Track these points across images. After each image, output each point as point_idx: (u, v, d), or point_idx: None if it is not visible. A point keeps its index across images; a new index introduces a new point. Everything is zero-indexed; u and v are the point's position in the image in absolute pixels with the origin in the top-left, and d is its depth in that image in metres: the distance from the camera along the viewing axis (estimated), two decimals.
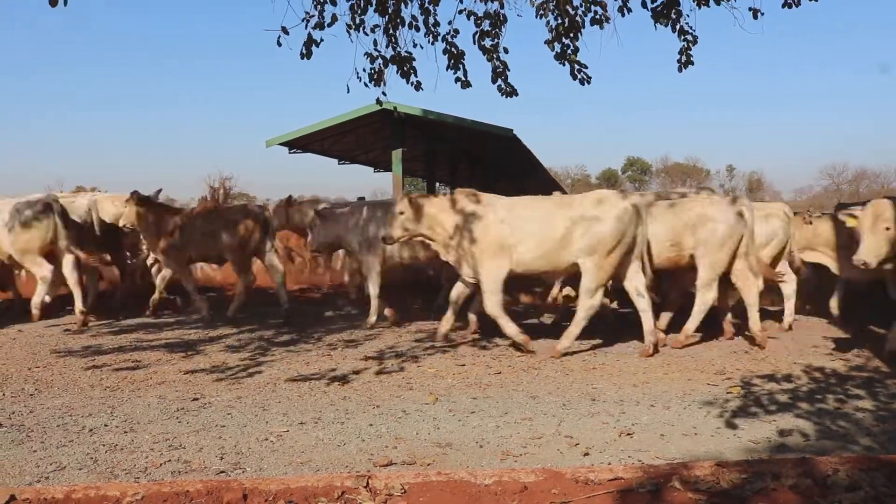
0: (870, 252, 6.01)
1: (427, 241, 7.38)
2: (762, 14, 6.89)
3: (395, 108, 14.37)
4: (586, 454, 4.02)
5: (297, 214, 11.62)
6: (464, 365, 6.39)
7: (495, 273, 6.80)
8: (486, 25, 7.04)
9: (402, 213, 7.09)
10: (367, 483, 3.09)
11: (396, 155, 16.58)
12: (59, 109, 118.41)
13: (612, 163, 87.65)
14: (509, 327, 6.90)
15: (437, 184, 28.68)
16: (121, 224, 9.59)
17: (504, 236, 6.75)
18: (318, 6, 6.64)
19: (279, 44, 6.47)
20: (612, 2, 7.07)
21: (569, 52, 6.97)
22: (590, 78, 7.17)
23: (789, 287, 8.09)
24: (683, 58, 7.40)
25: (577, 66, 7.09)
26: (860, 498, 2.94)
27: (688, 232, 7.14)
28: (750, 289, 7.17)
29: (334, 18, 6.62)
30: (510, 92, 7.30)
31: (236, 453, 4.09)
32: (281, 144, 18.45)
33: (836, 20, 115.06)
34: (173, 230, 9.29)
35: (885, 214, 6.04)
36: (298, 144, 19.41)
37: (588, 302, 6.75)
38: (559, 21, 6.81)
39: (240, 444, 4.25)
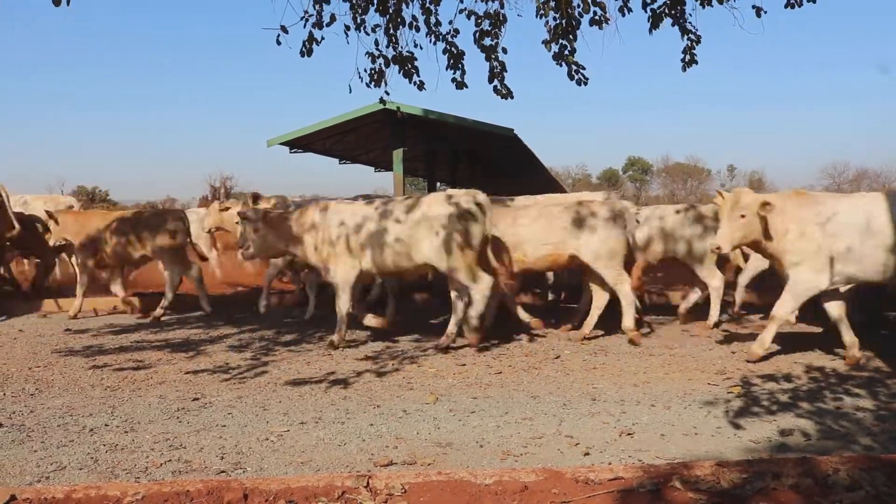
0: (724, 238, 6.25)
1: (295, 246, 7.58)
2: (765, 12, 6.91)
3: (398, 107, 14.37)
4: (587, 454, 4.02)
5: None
6: (464, 365, 6.39)
7: (343, 274, 7.21)
8: (486, 25, 7.05)
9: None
10: (368, 483, 3.09)
11: (397, 155, 16.56)
12: (59, 109, 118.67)
13: (614, 162, 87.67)
14: (343, 330, 7.28)
15: (438, 183, 28.67)
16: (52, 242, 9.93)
17: (352, 241, 7.16)
18: (318, 5, 6.65)
19: (278, 42, 6.49)
20: (614, 1, 7.10)
21: (566, 52, 6.97)
22: (587, 79, 7.18)
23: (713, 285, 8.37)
24: (687, 57, 7.43)
25: (574, 67, 7.09)
26: (861, 497, 2.94)
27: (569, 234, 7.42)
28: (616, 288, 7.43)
29: (333, 18, 6.63)
30: (506, 94, 7.30)
31: (237, 453, 4.09)
32: (282, 144, 18.43)
33: (837, 20, 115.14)
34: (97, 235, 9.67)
35: (742, 202, 6.20)
36: (299, 144, 19.39)
37: None
38: (558, 21, 6.81)
39: (240, 443, 4.25)
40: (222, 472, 3.80)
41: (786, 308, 6.29)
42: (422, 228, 6.90)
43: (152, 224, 9.69)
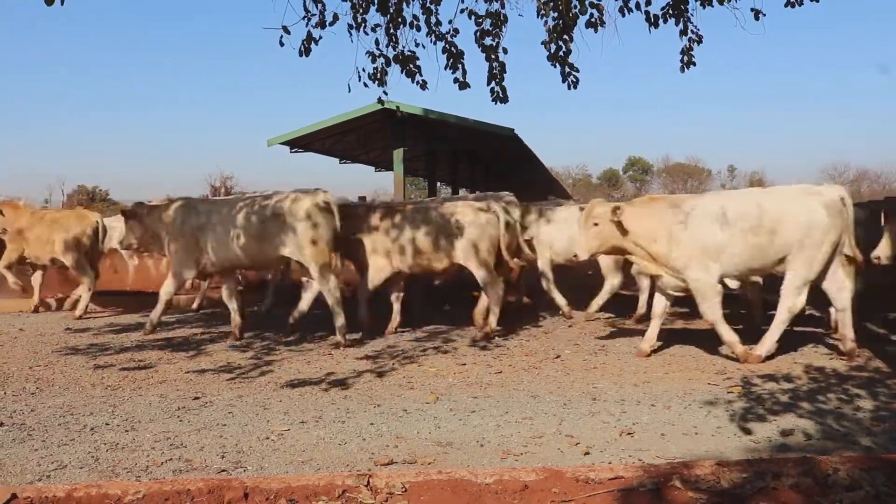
0: (580, 246, 6.73)
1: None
2: (764, 15, 6.90)
3: (397, 107, 14.37)
4: (587, 453, 4.02)
5: None
6: (464, 364, 6.39)
7: (179, 271, 7.93)
8: (486, 24, 7.04)
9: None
10: (368, 482, 3.10)
11: (397, 154, 16.55)
12: (60, 109, 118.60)
13: (614, 163, 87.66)
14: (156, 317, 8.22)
15: (438, 183, 28.68)
16: None
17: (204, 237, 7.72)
18: (319, 4, 6.65)
19: (281, 43, 6.48)
20: (614, 1, 7.09)
21: (561, 53, 6.97)
22: (578, 81, 7.17)
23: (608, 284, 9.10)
24: (686, 58, 7.42)
25: (567, 69, 7.09)
26: (860, 497, 2.94)
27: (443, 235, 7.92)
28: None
29: (335, 17, 6.62)
30: (502, 98, 7.29)
31: (237, 452, 4.09)
32: (282, 144, 18.43)
33: (837, 20, 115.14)
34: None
35: (594, 212, 6.61)
36: (300, 144, 19.38)
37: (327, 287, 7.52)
38: (557, 21, 6.81)
39: (241, 442, 4.25)
40: (223, 470, 3.80)
41: (710, 311, 6.37)
42: (276, 225, 7.45)
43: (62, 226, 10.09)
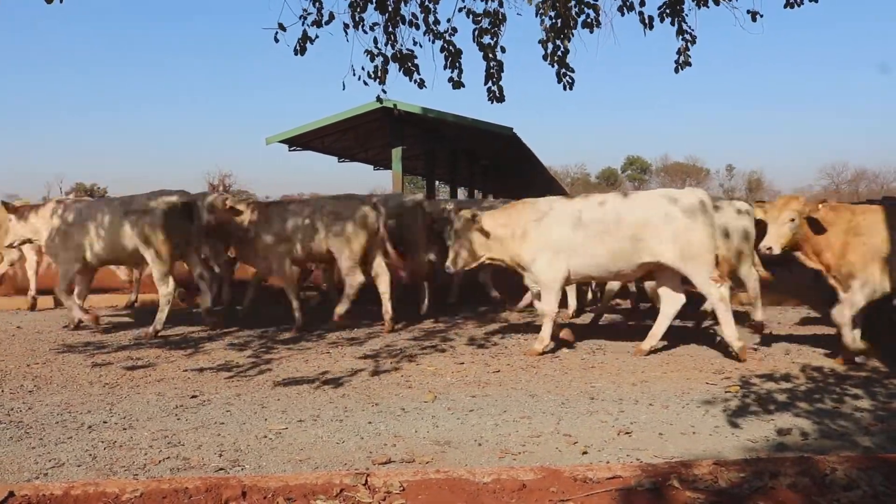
0: (451, 260, 7.00)
1: None
2: (761, 16, 6.91)
3: (394, 105, 14.38)
4: (585, 453, 4.02)
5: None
6: (462, 363, 6.39)
7: (64, 269, 8.18)
8: (485, 23, 7.04)
9: None
10: (366, 481, 3.10)
11: (396, 153, 16.58)
12: (59, 108, 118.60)
13: (612, 161, 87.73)
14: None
15: (437, 182, 28.67)
16: None
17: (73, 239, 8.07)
18: (316, 3, 6.64)
19: (276, 39, 6.48)
20: (612, 1, 7.09)
21: (559, 53, 6.96)
22: (573, 82, 7.18)
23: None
24: (682, 58, 7.41)
25: (563, 70, 7.08)
26: (858, 496, 2.95)
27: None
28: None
29: (332, 16, 6.62)
30: (499, 98, 7.29)
31: (235, 450, 4.09)
32: (281, 142, 18.44)
33: (836, 19, 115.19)
34: None
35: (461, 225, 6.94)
36: (299, 142, 19.40)
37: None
38: (553, 21, 6.81)
39: (239, 441, 4.25)
40: (221, 469, 3.79)
41: (548, 304, 6.73)
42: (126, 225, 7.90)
43: None
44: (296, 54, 6.67)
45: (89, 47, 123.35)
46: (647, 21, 7.10)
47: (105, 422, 4.67)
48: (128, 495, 2.99)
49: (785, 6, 7.15)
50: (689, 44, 7.30)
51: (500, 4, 6.98)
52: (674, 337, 7.47)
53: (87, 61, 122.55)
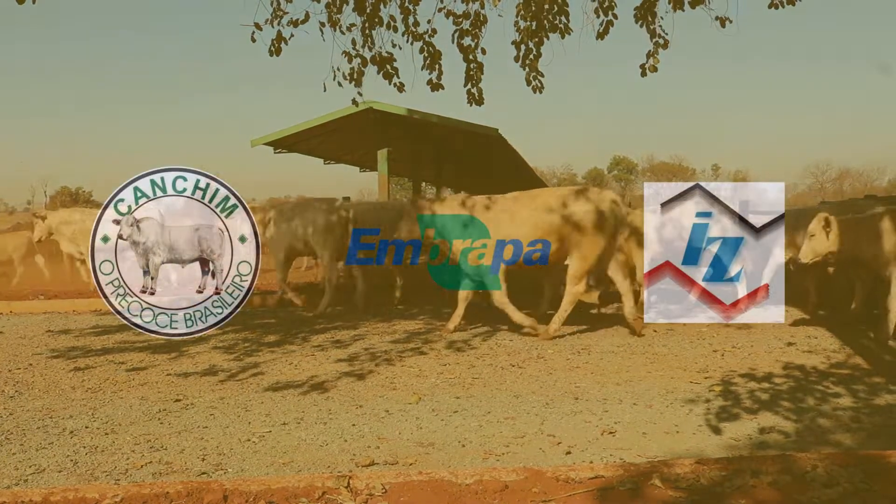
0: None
1: None
2: (730, 22, 6.96)
3: (370, 107, 14.33)
4: (568, 453, 4.03)
5: None
6: (447, 364, 6.39)
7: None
8: (465, 25, 7.03)
9: None
10: (348, 483, 3.09)
11: (382, 154, 16.56)
12: (48, 112, 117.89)
13: (599, 162, 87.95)
14: None
15: (423, 183, 28.65)
16: None
17: None
18: (289, 1, 6.59)
19: (253, 39, 6.45)
20: (591, 2, 7.05)
21: (531, 56, 6.98)
22: (542, 87, 7.20)
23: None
24: (650, 62, 7.35)
25: (533, 73, 7.10)
26: (838, 494, 2.97)
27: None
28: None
29: (307, 16, 6.55)
30: (478, 100, 7.29)
31: (218, 454, 4.07)
32: (266, 144, 18.36)
33: (821, 18, 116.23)
34: None
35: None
36: (284, 144, 19.32)
37: None
38: (529, 24, 6.81)
39: (222, 445, 4.23)
40: (203, 473, 3.78)
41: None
42: None
43: None
44: (270, 55, 6.60)
45: (70, 49, 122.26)
46: (606, 27, 7.06)
47: (87, 427, 4.63)
48: (108, 500, 2.97)
49: (769, 6, 7.19)
50: (659, 47, 7.27)
51: (482, 6, 6.98)
52: (658, 336, 7.52)
53: (74, 64, 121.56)
